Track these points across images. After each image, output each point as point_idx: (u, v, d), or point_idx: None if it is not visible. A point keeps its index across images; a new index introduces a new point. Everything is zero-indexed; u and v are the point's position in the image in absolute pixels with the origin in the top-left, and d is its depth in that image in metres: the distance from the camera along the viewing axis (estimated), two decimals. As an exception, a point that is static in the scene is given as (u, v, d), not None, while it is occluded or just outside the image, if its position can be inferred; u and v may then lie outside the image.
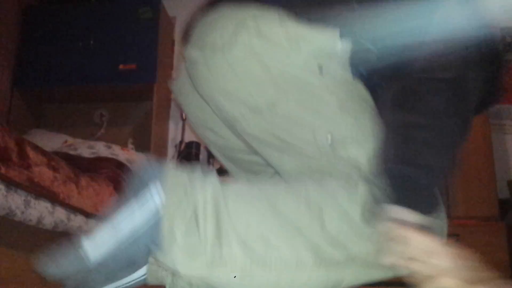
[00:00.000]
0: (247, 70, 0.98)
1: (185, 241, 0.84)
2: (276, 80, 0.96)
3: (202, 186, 0.90)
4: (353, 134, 0.95)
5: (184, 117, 3.66)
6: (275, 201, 0.91)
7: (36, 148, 1.93)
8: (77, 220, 2.13)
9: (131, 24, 3.67)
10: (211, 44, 0.99)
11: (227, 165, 1.33)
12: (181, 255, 0.84)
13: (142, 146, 3.62)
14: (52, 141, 3.27)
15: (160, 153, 3.74)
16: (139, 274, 0.92)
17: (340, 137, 0.94)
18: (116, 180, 2.63)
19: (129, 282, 0.93)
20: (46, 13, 3.80)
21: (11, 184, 1.68)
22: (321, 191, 0.92)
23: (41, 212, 1.86)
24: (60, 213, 1.99)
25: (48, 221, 1.92)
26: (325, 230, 0.88)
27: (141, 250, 0.88)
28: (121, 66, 3.56)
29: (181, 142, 3.63)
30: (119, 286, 0.92)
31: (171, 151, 3.90)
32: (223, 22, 0.99)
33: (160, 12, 3.70)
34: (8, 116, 3.54)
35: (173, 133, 3.99)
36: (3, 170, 1.63)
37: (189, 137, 3.75)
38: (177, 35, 4.22)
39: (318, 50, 0.94)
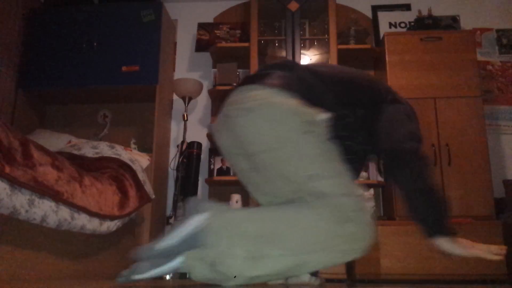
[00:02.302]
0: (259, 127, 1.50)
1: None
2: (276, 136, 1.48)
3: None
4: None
5: (185, 118, 3.70)
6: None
7: (40, 148, 1.97)
8: (81, 218, 2.16)
9: (134, 27, 3.71)
10: (243, 107, 1.52)
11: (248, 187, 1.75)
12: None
13: (145, 146, 3.66)
14: (56, 141, 3.30)
15: (162, 153, 3.78)
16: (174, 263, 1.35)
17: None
18: (119, 179, 2.67)
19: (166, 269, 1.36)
20: (50, 16, 3.85)
21: (15, 183, 1.71)
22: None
23: (45, 211, 1.89)
24: (64, 212, 2.02)
25: (52, 220, 1.95)
26: None
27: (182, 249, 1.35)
28: (124, 68, 3.61)
29: (183, 142, 3.67)
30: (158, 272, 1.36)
31: (173, 151, 3.94)
32: (250, 96, 1.53)
33: (162, 15, 3.75)
34: (12, 116, 3.59)
35: (175, 133, 4.04)
36: (7, 170, 1.66)
37: (190, 137, 3.79)
38: (179, 37, 4.27)
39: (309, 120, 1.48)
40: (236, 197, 3.55)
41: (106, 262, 2.62)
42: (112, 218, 2.45)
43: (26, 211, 1.78)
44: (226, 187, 3.76)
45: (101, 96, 3.86)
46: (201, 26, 4.18)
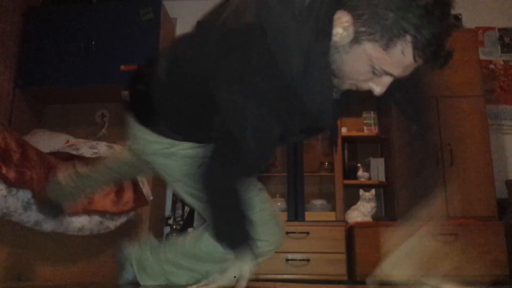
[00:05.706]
0: None
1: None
2: None
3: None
4: None
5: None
6: None
7: (38, 149, 1.94)
8: (77, 220, 2.14)
9: (132, 25, 3.68)
10: None
11: None
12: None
13: (143, 146, 3.62)
14: (54, 141, 3.28)
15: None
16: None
17: None
18: (117, 180, 2.65)
19: None
20: (48, 14, 3.82)
21: (11, 185, 1.68)
22: None
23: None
24: (61, 213, 1.99)
25: (47, 223, 1.92)
26: None
27: None
28: (122, 67, 3.57)
29: (181, 142, 3.63)
30: None
31: (172, 151, 3.90)
32: None
33: (160, 13, 3.71)
34: (10, 116, 3.55)
35: (174, 133, 4.00)
36: (4, 171, 1.63)
37: (189, 137, 3.75)
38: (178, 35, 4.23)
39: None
40: (235, 197, 3.50)
41: (105, 264, 2.59)
42: (108, 219, 2.43)
43: (20, 214, 1.76)
44: (225, 187, 3.71)
45: (99, 95, 3.83)
46: (200, 24, 4.14)
